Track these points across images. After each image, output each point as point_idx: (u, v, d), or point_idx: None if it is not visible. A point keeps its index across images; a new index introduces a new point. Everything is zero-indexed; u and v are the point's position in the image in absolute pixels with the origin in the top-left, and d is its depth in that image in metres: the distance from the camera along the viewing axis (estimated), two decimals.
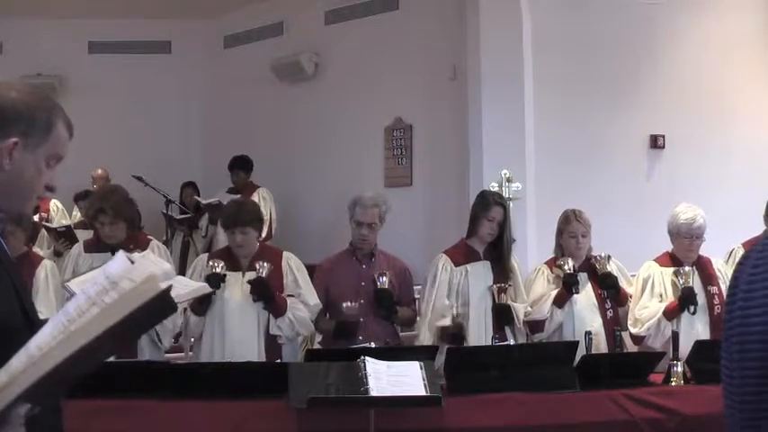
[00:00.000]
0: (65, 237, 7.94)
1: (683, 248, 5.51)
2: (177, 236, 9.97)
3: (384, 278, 5.37)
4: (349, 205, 5.55)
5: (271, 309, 5.22)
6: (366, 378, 4.07)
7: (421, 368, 4.23)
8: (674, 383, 4.73)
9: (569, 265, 5.49)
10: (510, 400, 4.45)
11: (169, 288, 1.66)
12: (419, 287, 5.77)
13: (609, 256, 5.61)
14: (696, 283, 5.42)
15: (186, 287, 4.41)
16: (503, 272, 5.51)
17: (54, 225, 8.49)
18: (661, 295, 5.48)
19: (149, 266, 1.66)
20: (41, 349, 1.61)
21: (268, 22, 10.46)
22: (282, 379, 4.20)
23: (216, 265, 5.19)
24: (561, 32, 7.93)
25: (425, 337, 5.40)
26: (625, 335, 5.48)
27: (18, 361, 1.62)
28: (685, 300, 5.34)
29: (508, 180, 6.47)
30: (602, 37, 7.99)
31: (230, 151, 9.95)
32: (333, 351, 4.85)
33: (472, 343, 5.34)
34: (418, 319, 5.66)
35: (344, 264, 5.54)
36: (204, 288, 4.69)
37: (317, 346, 5.66)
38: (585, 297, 5.53)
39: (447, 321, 5.40)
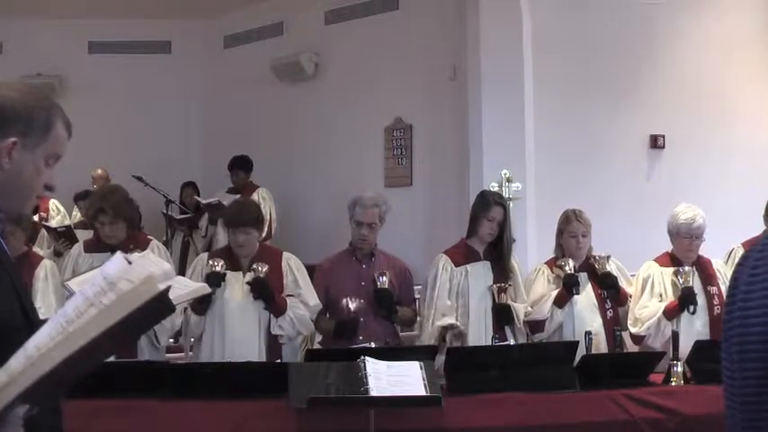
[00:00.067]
0: (65, 237, 7.94)
1: (683, 248, 5.51)
2: (177, 236, 9.98)
3: (384, 278, 5.37)
4: (349, 205, 5.55)
5: (271, 308, 5.22)
6: (366, 378, 4.07)
7: (421, 368, 4.23)
8: (674, 383, 4.73)
9: (570, 265, 5.49)
10: (510, 400, 4.45)
11: (167, 289, 1.66)
12: (419, 287, 5.77)
13: (608, 256, 5.62)
14: (696, 283, 5.42)
15: (186, 287, 4.36)
16: (503, 272, 5.50)
17: (54, 225, 8.49)
18: (661, 295, 5.48)
19: (148, 267, 1.66)
20: (40, 350, 1.61)
21: (268, 22, 10.46)
22: (282, 379, 4.19)
23: (216, 263, 5.20)
24: (561, 32, 7.93)
25: (427, 340, 5.39)
26: (625, 335, 5.48)
27: (16, 361, 1.62)
28: (685, 299, 5.34)
29: (508, 180, 6.47)
30: (602, 37, 7.99)
31: (230, 151, 9.95)
32: (333, 351, 4.85)
33: (472, 343, 5.34)
34: (419, 319, 5.66)
35: (344, 264, 5.54)
36: (204, 288, 4.63)
37: (316, 346, 5.66)
38: (585, 297, 5.53)
39: (448, 321, 5.39)
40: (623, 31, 8.02)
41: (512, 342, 5.22)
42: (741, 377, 1.56)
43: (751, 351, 1.54)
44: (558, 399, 4.49)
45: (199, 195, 10.20)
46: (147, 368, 4.47)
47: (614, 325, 5.40)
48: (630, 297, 5.58)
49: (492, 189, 6.18)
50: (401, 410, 4.22)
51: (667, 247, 5.62)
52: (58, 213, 9.21)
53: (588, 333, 5.08)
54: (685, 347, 4.84)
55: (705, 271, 5.53)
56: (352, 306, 5.36)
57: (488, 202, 5.53)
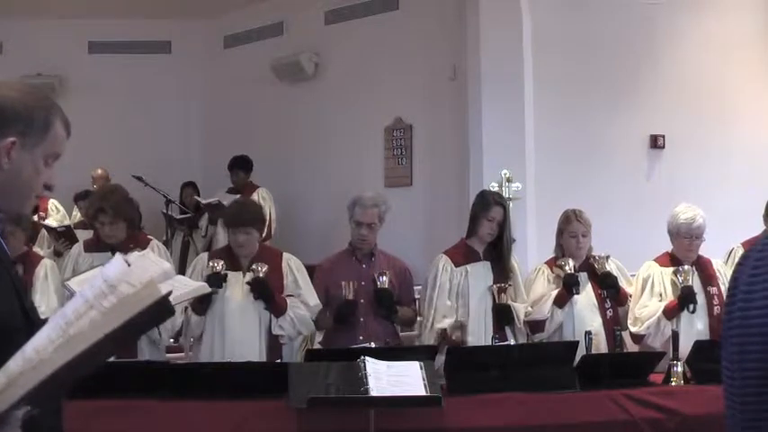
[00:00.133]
0: (65, 237, 7.94)
1: (683, 248, 5.51)
2: (177, 236, 9.98)
3: (384, 278, 5.36)
4: (349, 205, 5.55)
5: (271, 309, 5.22)
6: (366, 378, 4.07)
7: (421, 368, 4.23)
8: (674, 383, 4.73)
9: (570, 265, 5.49)
10: (510, 400, 4.45)
11: (169, 293, 1.65)
12: (419, 287, 5.77)
13: (608, 256, 5.62)
14: (696, 283, 5.42)
15: (186, 287, 4.37)
16: (503, 272, 5.50)
17: (54, 225, 8.49)
18: (661, 295, 5.49)
19: (148, 268, 1.65)
20: (39, 352, 1.60)
21: (268, 22, 10.46)
22: (282, 379, 4.20)
23: (216, 264, 5.20)
24: (561, 32, 7.93)
25: (428, 341, 5.39)
26: (625, 335, 5.48)
27: (15, 363, 1.61)
28: (685, 299, 5.35)
29: (508, 180, 6.47)
30: (602, 37, 7.99)
31: (230, 151, 9.95)
32: (333, 351, 4.85)
33: (472, 343, 5.34)
34: (419, 319, 5.66)
35: (344, 264, 5.54)
36: (204, 288, 4.64)
37: (317, 346, 5.66)
38: (585, 297, 5.53)
39: (448, 322, 5.39)
40: (623, 31, 8.02)
41: (512, 342, 5.22)
42: (741, 377, 1.56)
43: (751, 351, 1.54)
44: (558, 399, 4.49)
45: (199, 195, 10.19)
46: (147, 368, 4.47)
47: (614, 325, 5.40)
48: (630, 297, 5.58)
49: (492, 189, 6.18)
50: (401, 410, 4.22)
51: (667, 247, 5.62)
52: (57, 212, 9.21)
53: (588, 333, 5.08)
54: (685, 347, 4.84)
55: (705, 271, 5.53)
56: (349, 295, 5.32)
57: (488, 202, 5.53)
